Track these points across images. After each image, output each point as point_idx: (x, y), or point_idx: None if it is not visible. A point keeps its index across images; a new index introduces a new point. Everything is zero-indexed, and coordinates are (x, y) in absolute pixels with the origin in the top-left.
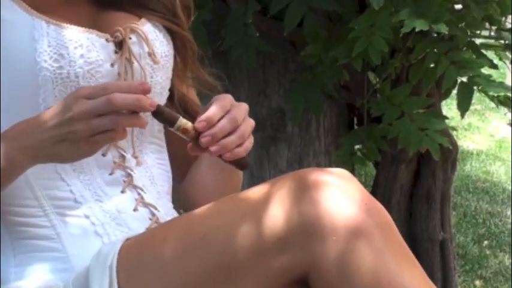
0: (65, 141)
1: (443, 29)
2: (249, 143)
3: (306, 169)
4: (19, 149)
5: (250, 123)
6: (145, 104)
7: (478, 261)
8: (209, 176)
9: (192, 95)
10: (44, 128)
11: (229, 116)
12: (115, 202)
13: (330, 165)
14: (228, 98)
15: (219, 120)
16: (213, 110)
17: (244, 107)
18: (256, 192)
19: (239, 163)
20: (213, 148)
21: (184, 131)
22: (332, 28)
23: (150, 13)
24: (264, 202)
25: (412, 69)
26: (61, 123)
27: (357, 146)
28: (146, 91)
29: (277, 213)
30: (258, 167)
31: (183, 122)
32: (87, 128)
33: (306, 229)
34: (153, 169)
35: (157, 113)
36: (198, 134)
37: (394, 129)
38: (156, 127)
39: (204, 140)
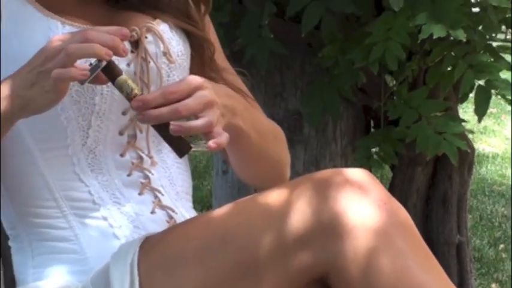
0: (36, 84)
1: (461, 35)
2: (224, 138)
3: (327, 170)
4: (2, 99)
5: (214, 114)
6: (119, 46)
7: (494, 264)
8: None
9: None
10: (20, 74)
11: (174, 106)
12: (133, 204)
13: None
14: (188, 85)
15: (166, 105)
16: (154, 95)
17: (208, 98)
18: (276, 192)
19: (178, 147)
20: (174, 127)
21: (121, 90)
22: (349, 30)
23: (164, 14)
24: (284, 201)
25: (429, 72)
26: (34, 66)
27: (373, 149)
28: (124, 36)
29: (297, 211)
30: None
31: (126, 82)
32: (53, 65)
33: (326, 228)
34: (172, 169)
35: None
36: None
37: (411, 133)
38: None
39: (139, 117)
